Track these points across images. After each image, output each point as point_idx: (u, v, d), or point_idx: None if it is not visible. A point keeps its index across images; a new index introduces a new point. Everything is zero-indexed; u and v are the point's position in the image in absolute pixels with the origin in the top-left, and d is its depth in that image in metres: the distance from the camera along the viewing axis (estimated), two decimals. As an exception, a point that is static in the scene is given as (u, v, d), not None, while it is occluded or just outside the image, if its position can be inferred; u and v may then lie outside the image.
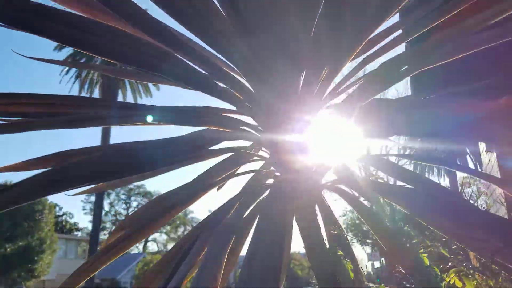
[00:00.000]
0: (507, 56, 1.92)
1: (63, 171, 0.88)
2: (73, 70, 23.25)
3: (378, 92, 1.16)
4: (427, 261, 1.02)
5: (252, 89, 1.25)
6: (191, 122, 1.21)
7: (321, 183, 1.24)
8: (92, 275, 1.31)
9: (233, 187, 1.56)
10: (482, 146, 3.50)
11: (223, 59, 1.28)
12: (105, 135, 22.25)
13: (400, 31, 1.36)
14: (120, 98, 25.37)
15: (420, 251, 1.03)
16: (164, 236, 42.35)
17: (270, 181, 1.28)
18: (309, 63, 1.13)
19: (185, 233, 1.41)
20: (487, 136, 1.19)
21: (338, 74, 1.18)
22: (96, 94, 25.09)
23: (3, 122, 1.12)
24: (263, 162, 1.49)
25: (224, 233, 0.93)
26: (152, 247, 43.45)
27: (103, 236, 41.84)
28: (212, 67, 1.23)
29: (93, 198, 30.52)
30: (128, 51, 1.11)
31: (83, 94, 24.71)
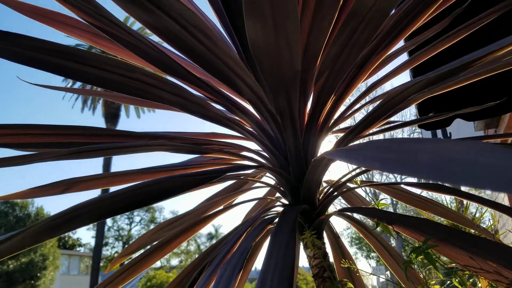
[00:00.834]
0: None
1: (70, 212, 0.88)
2: (76, 85, 23.42)
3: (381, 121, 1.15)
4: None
5: (257, 116, 1.24)
6: (196, 151, 1.21)
7: (329, 211, 1.22)
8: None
9: (237, 211, 1.56)
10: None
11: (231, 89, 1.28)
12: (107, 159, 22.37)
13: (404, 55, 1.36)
14: (123, 113, 25.51)
15: (432, 282, 1.01)
16: (167, 251, 42.17)
17: (277, 208, 1.27)
18: (315, 91, 1.12)
19: (191, 259, 1.40)
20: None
21: (344, 102, 1.18)
22: (99, 109, 25.26)
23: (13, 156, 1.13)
24: (268, 188, 1.49)
25: (233, 266, 0.92)
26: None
27: (106, 251, 41.81)
28: (225, 100, 1.23)
29: (96, 213, 30.46)
30: (136, 84, 1.11)
31: (86, 109, 24.86)
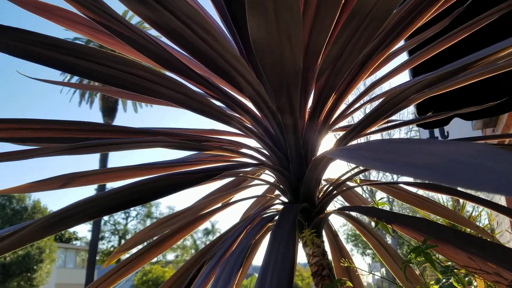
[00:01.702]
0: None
1: (67, 211, 0.88)
2: (74, 79, 23.34)
3: (382, 120, 1.15)
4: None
5: (258, 113, 1.24)
6: (195, 148, 1.21)
7: (329, 209, 1.22)
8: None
9: (236, 208, 1.56)
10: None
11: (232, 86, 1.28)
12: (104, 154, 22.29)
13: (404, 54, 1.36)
14: (120, 107, 25.45)
15: (430, 283, 1.02)
16: (163, 246, 42.19)
17: (277, 206, 1.27)
18: (316, 89, 1.12)
19: (191, 256, 1.40)
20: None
21: (344, 100, 1.18)
22: (97, 103, 25.21)
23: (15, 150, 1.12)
24: (267, 186, 1.49)
25: (232, 263, 0.92)
26: (151, 256, 43.23)
27: (102, 245, 41.79)
28: (225, 97, 1.23)
29: (92, 207, 30.43)
30: (134, 79, 1.10)
31: (84, 103, 24.80)
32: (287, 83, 1.01)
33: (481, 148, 0.42)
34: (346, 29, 0.97)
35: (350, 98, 1.33)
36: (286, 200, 1.27)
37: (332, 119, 1.21)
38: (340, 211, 1.24)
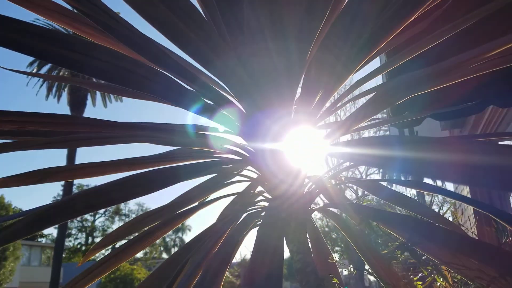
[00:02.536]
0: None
1: (57, 206, 0.85)
2: (42, 72, 22.68)
3: (368, 118, 1.16)
4: (420, 288, 1.02)
5: (243, 109, 1.23)
6: (179, 143, 1.19)
7: (312, 206, 1.23)
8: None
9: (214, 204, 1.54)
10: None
11: (214, 78, 1.26)
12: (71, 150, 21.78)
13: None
14: (89, 102, 24.89)
15: (414, 278, 1.03)
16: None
17: (261, 203, 1.26)
18: (304, 85, 1.12)
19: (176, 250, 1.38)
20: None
21: (332, 96, 1.18)
22: (64, 97, 24.57)
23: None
24: (249, 182, 1.48)
25: (220, 259, 0.91)
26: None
27: (69, 242, 40.87)
28: (203, 86, 1.21)
29: (59, 204, 29.71)
30: (111, 69, 1.08)
31: (51, 97, 24.14)
32: (275, 78, 1.00)
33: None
34: (336, 26, 0.98)
35: (336, 96, 1.33)
36: (269, 196, 1.27)
37: (319, 115, 1.21)
38: (323, 208, 1.25)
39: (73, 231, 41.59)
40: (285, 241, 1.22)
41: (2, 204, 24.38)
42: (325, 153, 1.25)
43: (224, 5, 1.16)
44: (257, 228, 1.00)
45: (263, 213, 1.13)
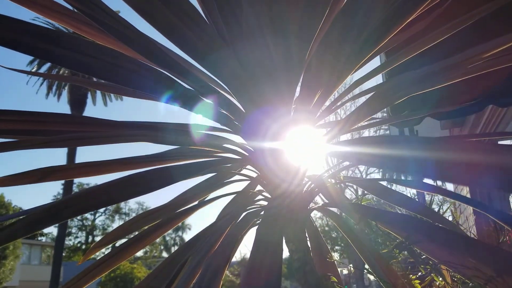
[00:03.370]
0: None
1: (62, 204, 0.86)
2: (42, 70, 22.68)
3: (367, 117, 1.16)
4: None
5: (242, 108, 1.24)
6: (179, 142, 1.19)
7: (311, 205, 1.23)
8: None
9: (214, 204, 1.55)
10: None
11: (213, 77, 1.26)
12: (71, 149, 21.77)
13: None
14: (89, 100, 24.89)
15: (412, 278, 1.04)
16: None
17: (260, 202, 1.27)
18: (303, 84, 1.12)
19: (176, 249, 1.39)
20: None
21: (331, 95, 1.18)
22: (64, 96, 24.57)
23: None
24: (248, 181, 1.48)
25: (220, 257, 0.91)
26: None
27: (69, 241, 40.90)
28: (201, 84, 1.22)
29: (59, 203, 29.76)
30: (111, 67, 1.08)
31: (51, 96, 24.14)
32: (274, 76, 1.01)
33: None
34: (335, 25, 0.98)
35: (336, 94, 1.33)
36: (269, 195, 1.28)
37: (318, 114, 1.21)
38: (322, 207, 1.25)
39: (73, 230, 41.65)
40: (284, 240, 1.22)
41: (2, 203, 24.39)
42: (325, 152, 1.25)
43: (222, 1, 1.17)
44: (257, 227, 1.00)
45: (262, 212, 1.13)
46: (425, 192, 1.54)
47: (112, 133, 1.23)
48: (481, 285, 0.89)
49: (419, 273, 1.05)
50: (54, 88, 24.32)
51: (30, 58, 23.62)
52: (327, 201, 1.24)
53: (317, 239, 1.46)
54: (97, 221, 43.03)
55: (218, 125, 1.33)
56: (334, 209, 1.38)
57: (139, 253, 41.93)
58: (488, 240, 1.71)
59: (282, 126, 1.16)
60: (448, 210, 1.54)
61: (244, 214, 1.15)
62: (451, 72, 1.11)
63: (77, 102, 24.08)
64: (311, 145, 1.21)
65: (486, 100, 2.44)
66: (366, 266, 1.29)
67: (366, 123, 1.46)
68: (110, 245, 1.62)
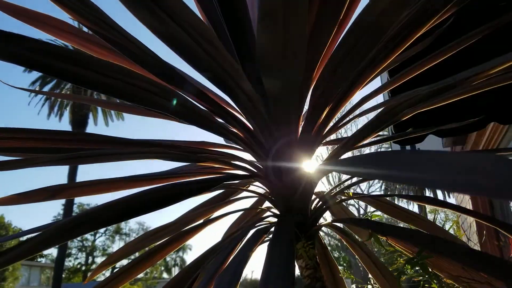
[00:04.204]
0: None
1: (72, 222, 0.86)
2: (45, 89, 22.81)
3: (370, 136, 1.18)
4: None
5: (251, 127, 1.25)
6: (191, 159, 1.20)
7: (320, 222, 1.23)
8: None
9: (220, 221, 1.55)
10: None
11: (223, 96, 1.28)
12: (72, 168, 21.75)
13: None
14: (91, 121, 24.99)
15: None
16: (132, 262, 41.41)
17: (269, 218, 1.27)
18: (311, 102, 1.14)
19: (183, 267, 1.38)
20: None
21: (337, 113, 1.20)
22: (66, 116, 24.68)
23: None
24: (255, 199, 1.49)
25: (231, 273, 0.91)
26: (120, 273, 42.29)
27: (68, 262, 40.53)
28: (213, 105, 1.23)
29: (59, 223, 29.60)
30: (121, 85, 1.10)
31: (53, 116, 24.26)
32: (285, 95, 1.02)
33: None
34: (342, 45, 1.00)
35: (343, 112, 1.35)
36: (277, 212, 1.28)
37: (325, 131, 1.23)
38: (332, 224, 1.25)
39: (73, 251, 41.26)
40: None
41: (2, 224, 24.27)
42: (331, 170, 1.26)
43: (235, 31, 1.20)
44: (267, 243, 1.00)
45: (272, 229, 1.13)
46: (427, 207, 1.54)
47: (122, 150, 1.24)
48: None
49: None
50: (56, 108, 24.46)
51: (32, 79, 23.81)
52: (334, 218, 1.24)
53: (326, 256, 1.45)
54: (97, 242, 42.72)
55: (225, 141, 1.35)
56: (341, 225, 1.38)
57: (140, 274, 41.49)
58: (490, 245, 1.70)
59: (290, 143, 1.17)
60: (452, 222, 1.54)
61: (252, 231, 1.15)
62: (453, 90, 1.13)
63: (79, 122, 24.20)
64: (318, 162, 1.22)
65: (488, 117, 2.45)
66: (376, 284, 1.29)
67: (368, 141, 1.47)
68: (117, 263, 1.61)
